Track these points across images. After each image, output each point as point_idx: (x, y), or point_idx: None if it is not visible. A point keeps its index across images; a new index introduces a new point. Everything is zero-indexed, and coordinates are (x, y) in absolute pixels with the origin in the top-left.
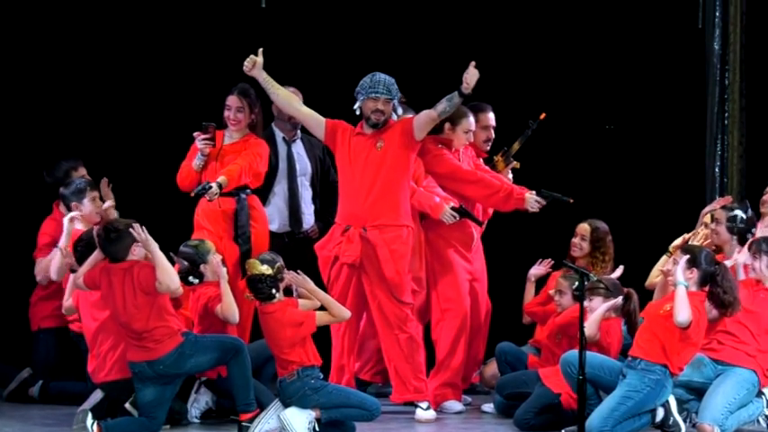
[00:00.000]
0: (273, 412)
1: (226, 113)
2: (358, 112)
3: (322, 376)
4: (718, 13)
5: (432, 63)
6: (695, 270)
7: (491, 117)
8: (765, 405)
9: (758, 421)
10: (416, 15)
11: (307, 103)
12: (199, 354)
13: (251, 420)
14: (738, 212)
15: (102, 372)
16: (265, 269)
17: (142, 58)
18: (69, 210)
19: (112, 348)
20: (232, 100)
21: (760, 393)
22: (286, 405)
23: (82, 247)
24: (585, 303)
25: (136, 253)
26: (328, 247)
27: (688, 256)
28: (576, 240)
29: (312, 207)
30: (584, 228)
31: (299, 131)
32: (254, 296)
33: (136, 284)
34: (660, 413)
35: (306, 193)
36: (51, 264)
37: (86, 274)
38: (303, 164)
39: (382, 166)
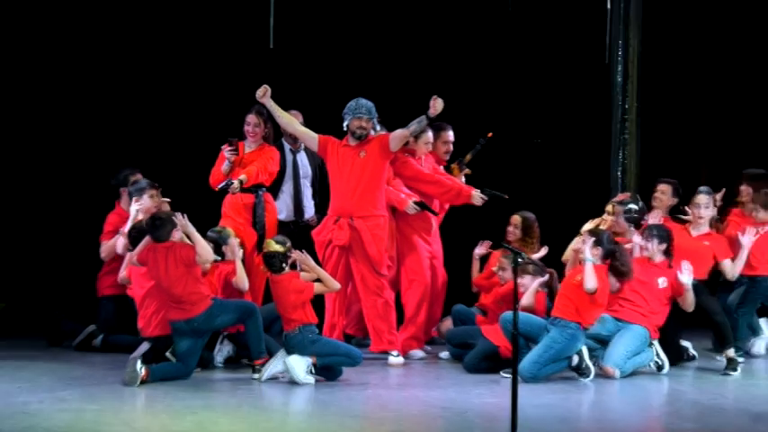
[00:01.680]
0: (280, 358)
1: (246, 128)
2: (345, 129)
3: (318, 331)
4: (620, 52)
5: (403, 93)
6: (599, 248)
7: (450, 134)
8: (654, 353)
9: (649, 366)
10: (392, 59)
11: (307, 122)
12: (223, 314)
13: (262, 365)
14: (632, 206)
15: (148, 328)
16: (279, 248)
17: (183, 91)
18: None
19: (156, 311)
20: (251, 118)
21: (651, 344)
22: (290, 353)
23: (135, 233)
24: (519, 280)
25: (176, 237)
26: (323, 233)
27: (594, 238)
28: (510, 228)
29: (312, 202)
30: (516, 218)
31: (302, 144)
32: (268, 268)
33: (177, 259)
34: (575, 359)
35: (307, 192)
36: (118, 243)
37: (139, 254)
38: (305, 169)
39: (365, 171)
